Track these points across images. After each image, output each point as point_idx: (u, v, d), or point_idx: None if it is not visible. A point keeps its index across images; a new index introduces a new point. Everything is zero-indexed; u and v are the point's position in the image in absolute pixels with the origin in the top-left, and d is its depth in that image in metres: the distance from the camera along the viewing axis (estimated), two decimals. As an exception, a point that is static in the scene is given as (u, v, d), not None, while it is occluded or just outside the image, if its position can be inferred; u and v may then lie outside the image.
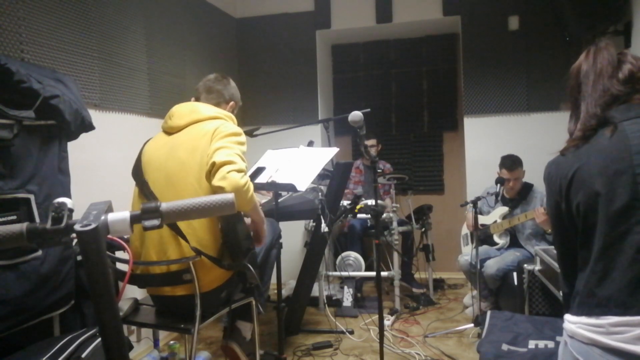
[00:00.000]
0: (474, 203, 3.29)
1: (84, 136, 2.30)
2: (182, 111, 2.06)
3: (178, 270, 1.87)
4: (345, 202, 3.43)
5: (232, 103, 2.24)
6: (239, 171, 1.78)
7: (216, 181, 1.75)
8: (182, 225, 1.86)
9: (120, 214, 0.85)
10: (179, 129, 2.02)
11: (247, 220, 2.09)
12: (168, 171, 1.94)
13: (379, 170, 4.13)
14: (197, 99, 2.20)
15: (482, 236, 3.58)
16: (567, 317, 1.20)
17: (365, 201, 3.53)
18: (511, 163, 3.52)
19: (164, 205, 0.88)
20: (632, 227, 1.07)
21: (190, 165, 1.90)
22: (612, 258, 1.09)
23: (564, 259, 1.29)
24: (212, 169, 1.79)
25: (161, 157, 1.99)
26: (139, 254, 1.99)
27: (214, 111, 2.06)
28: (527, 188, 3.59)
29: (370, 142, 4.40)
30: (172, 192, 1.90)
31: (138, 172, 2.03)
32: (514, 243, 3.57)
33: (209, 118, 2.02)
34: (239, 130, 1.98)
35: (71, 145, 2.23)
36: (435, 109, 5.13)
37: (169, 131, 2.06)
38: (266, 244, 2.42)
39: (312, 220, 3.80)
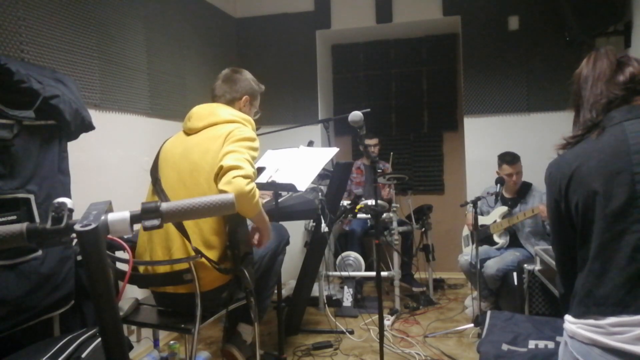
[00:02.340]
0: (474, 203, 3.29)
1: (84, 136, 2.30)
2: (201, 113, 2.07)
3: (179, 270, 1.88)
4: (345, 203, 3.43)
5: (245, 97, 2.20)
6: (245, 177, 1.76)
7: (221, 185, 1.75)
8: (189, 224, 1.86)
9: (120, 214, 0.85)
10: (197, 131, 2.04)
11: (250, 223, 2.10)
12: (180, 171, 1.97)
13: (379, 170, 4.13)
14: (214, 99, 2.21)
15: (482, 236, 3.58)
16: (567, 317, 1.20)
17: (365, 201, 3.53)
18: (511, 158, 3.53)
19: (164, 205, 0.88)
20: (630, 226, 1.07)
21: (202, 166, 1.92)
22: (610, 257, 1.10)
23: (562, 259, 1.30)
24: (220, 173, 1.79)
25: (176, 156, 2.02)
26: (145, 248, 2.00)
27: (232, 115, 2.06)
28: (526, 187, 3.59)
29: (372, 141, 4.40)
30: (184, 192, 1.92)
31: (154, 170, 2.06)
32: (514, 242, 3.57)
33: (226, 121, 2.02)
34: (253, 135, 1.98)
35: (71, 145, 2.23)
36: (435, 109, 5.13)
37: (188, 132, 2.09)
38: (272, 249, 2.41)
39: (312, 220, 3.80)
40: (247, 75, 2.25)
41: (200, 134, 2.02)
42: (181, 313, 1.98)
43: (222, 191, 1.74)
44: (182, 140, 2.07)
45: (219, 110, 2.07)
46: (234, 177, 1.74)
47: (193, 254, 1.84)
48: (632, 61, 1.22)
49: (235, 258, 1.94)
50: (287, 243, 2.63)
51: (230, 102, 2.18)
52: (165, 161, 2.05)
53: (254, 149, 1.94)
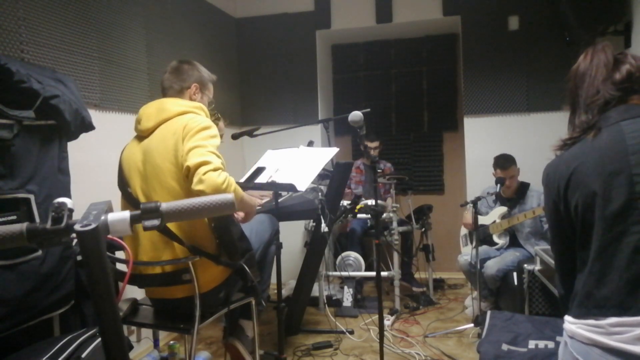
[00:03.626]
0: (474, 203, 3.29)
1: (84, 136, 2.30)
2: (149, 112, 2.00)
3: (177, 271, 1.87)
4: (345, 202, 3.43)
5: (194, 85, 2.11)
6: (215, 170, 1.73)
7: (194, 185, 1.71)
8: (173, 229, 1.85)
9: (120, 214, 0.85)
10: (150, 132, 1.96)
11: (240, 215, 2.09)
12: (147, 177, 1.91)
13: (379, 171, 4.13)
14: (163, 92, 2.13)
15: (482, 236, 3.58)
16: (567, 317, 1.20)
17: (365, 201, 3.53)
18: (504, 162, 3.53)
19: (164, 205, 0.88)
20: (629, 228, 1.07)
21: (167, 167, 1.85)
22: (610, 258, 1.09)
23: (562, 260, 1.29)
24: (189, 174, 1.75)
25: (138, 163, 1.95)
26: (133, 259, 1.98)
27: (181, 106, 1.98)
28: (524, 187, 3.59)
29: (373, 144, 4.39)
30: (157, 198, 1.87)
31: (121, 183, 2.00)
32: (514, 243, 3.57)
33: (177, 114, 1.94)
34: (209, 122, 1.91)
35: (71, 145, 2.23)
36: (435, 109, 5.13)
37: (141, 135, 2.01)
38: (264, 241, 2.42)
39: (312, 220, 3.80)
40: (196, 65, 2.17)
41: (154, 135, 1.95)
42: (180, 313, 1.98)
43: (197, 191, 1.70)
44: (139, 146, 1.98)
45: (167, 105, 1.99)
46: (205, 174, 1.71)
47: (187, 255, 1.84)
48: (629, 58, 1.20)
49: (233, 255, 1.94)
50: (278, 232, 2.62)
51: (180, 93, 2.09)
52: (130, 172, 1.98)
53: (214, 137, 1.87)
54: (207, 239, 1.91)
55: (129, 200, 1.96)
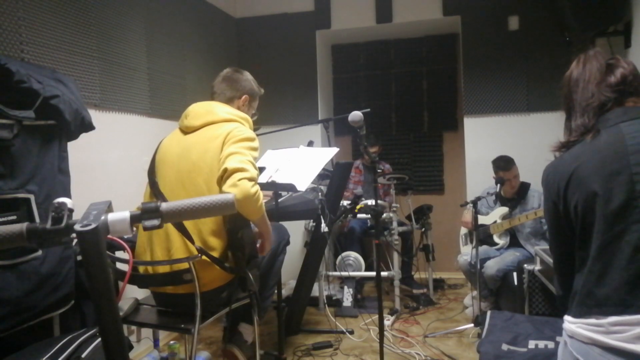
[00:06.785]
0: (474, 203, 3.29)
1: (84, 136, 2.30)
2: (198, 111, 2.06)
3: (179, 270, 1.87)
4: (345, 202, 3.43)
5: (244, 97, 2.20)
6: (250, 179, 1.77)
7: (227, 187, 1.75)
8: (188, 226, 1.86)
9: (120, 214, 0.85)
10: (194, 129, 2.03)
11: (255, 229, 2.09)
12: (179, 171, 1.95)
13: (378, 171, 4.13)
14: (212, 96, 2.20)
15: (482, 236, 3.58)
16: (567, 317, 1.20)
17: (365, 201, 3.53)
18: (505, 163, 3.53)
19: (164, 205, 0.88)
20: (630, 227, 1.08)
21: (201, 166, 1.90)
22: (610, 257, 1.10)
23: (561, 261, 1.30)
24: (224, 175, 1.78)
25: (174, 156, 2.00)
26: (145, 249, 2.00)
27: (230, 114, 2.05)
28: (525, 188, 3.60)
29: (372, 148, 4.38)
30: (183, 193, 1.91)
31: (151, 171, 2.05)
32: (514, 243, 3.57)
33: (224, 120, 2.01)
34: (253, 135, 1.97)
35: (71, 145, 2.23)
36: (435, 109, 5.13)
37: (185, 130, 2.07)
38: (272, 249, 2.41)
39: (312, 220, 3.80)
40: (248, 76, 2.26)
41: (198, 133, 2.01)
42: (181, 313, 1.98)
43: (227, 193, 1.72)
44: (180, 140, 2.05)
45: (216, 109, 2.06)
46: (240, 180, 1.74)
47: (193, 254, 1.84)
48: (621, 62, 1.22)
49: (239, 260, 1.94)
50: (288, 243, 2.62)
51: (229, 101, 2.17)
52: (163, 162, 2.03)
53: (255, 149, 1.93)
54: (218, 243, 1.91)
55: (154, 189, 2.00)
